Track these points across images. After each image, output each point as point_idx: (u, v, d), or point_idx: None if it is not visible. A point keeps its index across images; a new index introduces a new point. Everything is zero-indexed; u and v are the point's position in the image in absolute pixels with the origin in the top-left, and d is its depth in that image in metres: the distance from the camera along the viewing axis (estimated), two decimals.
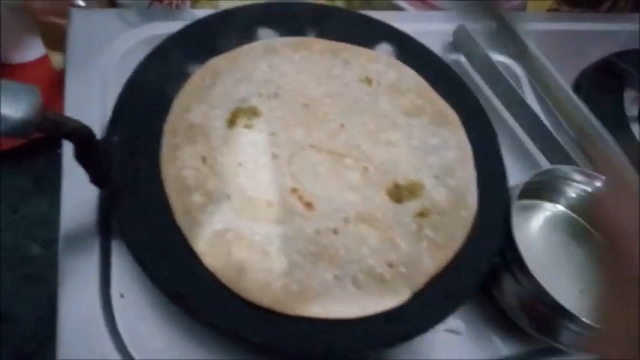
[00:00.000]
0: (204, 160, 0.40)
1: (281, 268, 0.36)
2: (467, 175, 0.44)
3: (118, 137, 0.38)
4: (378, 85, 0.48)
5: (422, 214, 0.41)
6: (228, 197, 0.39)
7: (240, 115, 0.43)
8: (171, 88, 0.42)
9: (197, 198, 0.38)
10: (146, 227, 0.35)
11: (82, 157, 0.34)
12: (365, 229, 0.40)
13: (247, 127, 0.43)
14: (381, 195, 0.42)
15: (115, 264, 0.38)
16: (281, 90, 0.46)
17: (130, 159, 0.37)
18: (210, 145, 0.41)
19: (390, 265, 0.38)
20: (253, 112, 0.44)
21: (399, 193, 0.42)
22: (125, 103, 0.39)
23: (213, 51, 0.45)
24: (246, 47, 0.47)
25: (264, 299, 0.35)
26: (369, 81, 0.48)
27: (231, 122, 0.43)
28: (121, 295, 0.37)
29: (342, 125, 0.45)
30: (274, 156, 0.42)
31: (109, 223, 0.39)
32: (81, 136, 0.33)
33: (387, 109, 0.47)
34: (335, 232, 0.39)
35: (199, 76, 0.44)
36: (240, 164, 0.40)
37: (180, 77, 0.43)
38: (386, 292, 0.36)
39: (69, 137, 0.33)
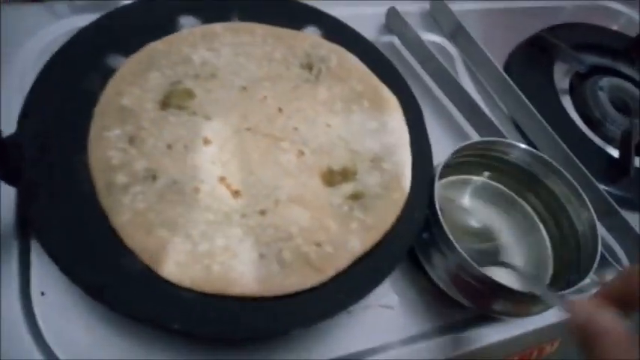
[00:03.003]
0: (131, 140, 0.39)
1: (203, 249, 0.36)
2: (402, 159, 0.44)
3: (29, 132, 0.36)
4: (319, 71, 0.48)
5: (354, 197, 0.41)
6: (154, 178, 0.38)
7: (173, 97, 0.42)
8: (87, 80, 0.41)
9: (121, 178, 0.37)
10: (61, 223, 0.34)
11: None
12: (295, 209, 0.39)
13: (180, 108, 0.42)
14: (314, 179, 0.42)
15: (35, 262, 0.37)
16: (219, 72, 0.45)
17: (42, 155, 0.36)
18: (139, 126, 0.40)
19: (318, 245, 0.38)
20: (188, 94, 0.43)
21: (332, 178, 0.42)
22: (36, 97, 0.38)
23: (132, 40, 0.44)
24: (185, 31, 0.46)
25: (185, 280, 0.34)
26: (309, 67, 0.48)
27: (164, 104, 0.42)
28: (42, 293, 0.36)
29: (280, 109, 0.44)
30: (206, 141, 0.41)
31: (27, 219, 0.38)
32: None
33: (326, 95, 0.46)
34: (262, 212, 0.39)
35: (135, 60, 0.43)
36: (169, 146, 0.40)
37: (97, 68, 0.41)
38: (310, 271, 0.36)
39: None
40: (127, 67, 0.43)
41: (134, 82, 0.42)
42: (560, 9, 0.75)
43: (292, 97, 0.46)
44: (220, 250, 0.36)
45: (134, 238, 0.36)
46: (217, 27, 0.47)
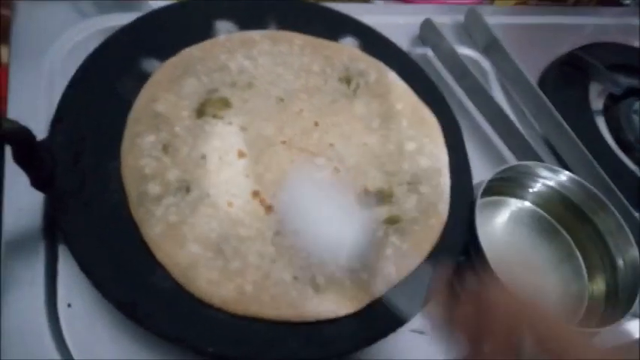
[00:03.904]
0: (165, 149, 0.38)
1: (235, 267, 0.35)
2: (441, 182, 0.43)
3: (62, 138, 0.35)
4: (357, 86, 0.46)
5: (389, 221, 0.40)
6: (187, 190, 0.37)
7: (209, 105, 0.41)
8: (122, 85, 0.39)
9: (153, 188, 0.36)
10: (93, 234, 0.33)
11: (20, 160, 0.32)
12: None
13: (216, 117, 0.41)
14: (349, 199, 0.40)
15: (62, 271, 0.36)
16: (256, 81, 0.44)
17: (76, 161, 0.35)
18: (173, 133, 0.38)
19: (352, 271, 0.36)
20: (224, 103, 0.42)
21: (368, 199, 0.41)
22: (70, 101, 0.37)
23: (168, 45, 0.42)
24: (222, 37, 0.44)
25: (215, 298, 0.33)
26: (348, 80, 0.46)
27: (200, 112, 0.40)
28: (69, 305, 0.35)
29: (316, 123, 0.43)
30: (241, 154, 0.40)
31: (55, 227, 0.37)
32: (18, 138, 0.31)
33: (364, 111, 0.45)
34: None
35: (171, 64, 0.42)
36: (203, 157, 0.38)
37: (132, 72, 0.40)
38: (344, 298, 0.35)
39: (5, 139, 0.30)
40: (162, 72, 0.41)
41: (170, 88, 0.41)
42: (589, 26, 0.74)
43: (329, 111, 0.44)
44: (253, 268, 0.35)
45: (166, 252, 0.34)
46: (255, 34, 0.46)
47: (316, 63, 0.46)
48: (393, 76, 0.47)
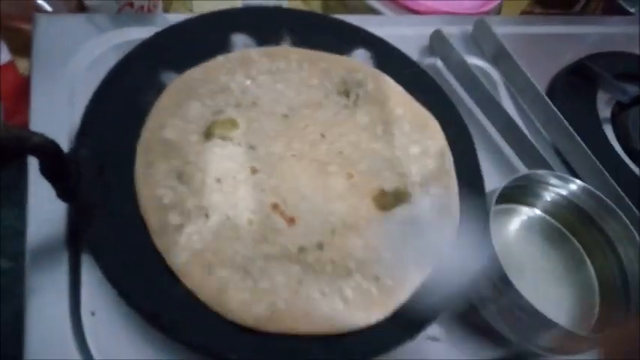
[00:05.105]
0: (179, 177, 0.38)
1: (265, 287, 0.35)
2: (448, 183, 0.44)
3: (87, 150, 0.36)
4: (357, 96, 0.47)
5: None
6: (207, 216, 0.37)
7: (216, 127, 0.41)
8: (144, 98, 0.40)
9: (174, 218, 0.36)
10: (118, 246, 0.34)
11: (47, 172, 0.33)
12: (351, 239, 0.39)
13: (225, 139, 0.41)
14: (366, 201, 0.41)
15: (85, 280, 0.37)
16: (259, 100, 0.44)
17: (100, 174, 0.36)
18: (186, 160, 0.39)
19: (377, 279, 0.37)
20: (231, 124, 0.42)
21: (385, 200, 0.42)
22: (94, 114, 0.38)
23: (186, 58, 0.43)
24: (221, 58, 0.45)
25: (248, 319, 0.34)
26: (346, 93, 0.47)
27: (208, 135, 0.41)
28: (92, 313, 0.36)
29: (322, 135, 0.44)
30: (253, 170, 0.40)
31: (78, 237, 0.38)
32: (46, 151, 0.31)
33: (366, 119, 0.46)
34: (320, 246, 0.38)
35: (173, 89, 0.43)
36: (218, 180, 0.39)
37: (152, 86, 0.41)
38: (373, 307, 0.36)
39: (32, 153, 0.31)
40: (166, 97, 0.42)
41: (175, 113, 0.41)
42: (595, 35, 0.75)
43: (333, 123, 0.45)
44: (282, 287, 0.36)
45: (193, 279, 0.35)
46: (253, 53, 0.47)
47: (315, 77, 0.47)
48: (390, 82, 0.48)
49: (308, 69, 0.47)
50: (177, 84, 0.43)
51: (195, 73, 0.44)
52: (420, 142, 0.46)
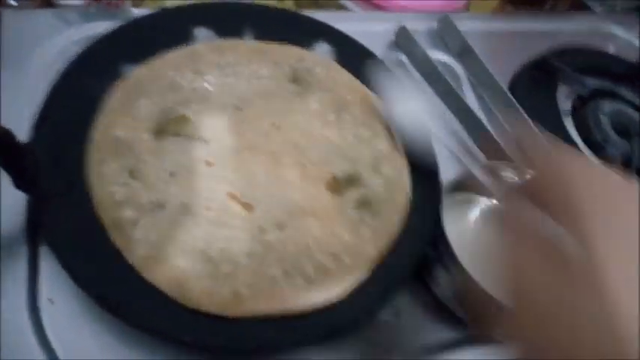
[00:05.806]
0: (132, 173, 0.39)
1: (225, 271, 0.36)
2: (399, 163, 0.46)
3: (45, 141, 0.37)
4: (308, 84, 0.48)
5: (362, 203, 0.42)
6: (163, 207, 0.38)
7: (169, 124, 0.42)
8: (102, 92, 0.41)
9: (128, 213, 0.37)
10: (74, 233, 0.35)
11: (3, 162, 0.33)
12: (309, 221, 0.40)
13: (177, 135, 0.42)
14: (320, 189, 0.42)
15: (44, 269, 0.37)
16: (210, 94, 0.45)
17: (57, 166, 0.36)
18: (138, 158, 0.39)
19: (335, 257, 0.38)
20: (183, 120, 0.43)
21: (338, 186, 0.43)
22: (51, 106, 0.38)
23: (147, 51, 0.44)
24: (170, 55, 0.46)
25: (212, 306, 0.34)
26: (297, 80, 0.48)
27: (160, 132, 0.41)
28: (51, 301, 0.36)
29: (275, 125, 0.45)
30: (208, 163, 0.41)
31: (37, 228, 0.38)
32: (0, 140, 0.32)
33: (317, 106, 0.47)
34: (280, 226, 0.39)
35: (122, 88, 0.43)
36: (172, 174, 0.39)
37: (112, 79, 0.42)
38: (332, 284, 0.37)
39: None
40: (115, 96, 0.42)
41: (125, 111, 0.41)
42: (561, 32, 0.76)
43: (286, 112, 0.46)
44: (244, 269, 0.36)
45: (153, 273, 0.35)
46: (200, 47, 0.47)
47: (264, 67, 0.48)
48: (339, 70, 0.50)
49: (258, 61, 0.48)
50: (125, 83, 0.43)
51: (142, 70, 0.44)
52: (370, 125, 0.47)
